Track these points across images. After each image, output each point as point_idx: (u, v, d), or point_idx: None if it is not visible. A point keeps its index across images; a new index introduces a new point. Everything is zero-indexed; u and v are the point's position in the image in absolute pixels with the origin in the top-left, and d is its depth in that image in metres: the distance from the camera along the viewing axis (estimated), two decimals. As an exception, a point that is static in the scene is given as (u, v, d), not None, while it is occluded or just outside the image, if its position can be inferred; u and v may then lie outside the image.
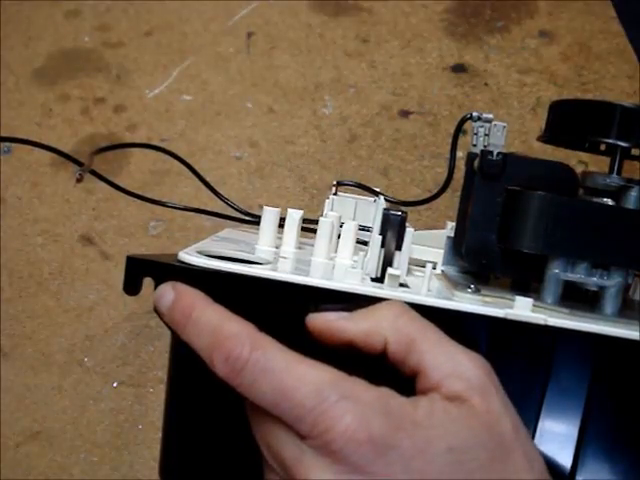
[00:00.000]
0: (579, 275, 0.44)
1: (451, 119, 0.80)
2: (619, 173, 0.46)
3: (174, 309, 0.38)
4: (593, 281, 0.44)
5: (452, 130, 0.51)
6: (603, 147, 0.51)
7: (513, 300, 0.40)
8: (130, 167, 0.82)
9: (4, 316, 0.80)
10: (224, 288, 0.39)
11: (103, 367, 0.79)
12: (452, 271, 0.50)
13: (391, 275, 0.41)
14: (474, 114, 0.47)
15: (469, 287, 0.43)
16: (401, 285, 0.42)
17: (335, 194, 0.57)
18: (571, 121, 0.47)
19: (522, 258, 0.45)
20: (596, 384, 0.40)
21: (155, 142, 0.82)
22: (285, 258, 0.47)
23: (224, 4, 0.86)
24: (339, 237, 0.48)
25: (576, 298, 0.45)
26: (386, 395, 0.35)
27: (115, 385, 0.79)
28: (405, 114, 0.81)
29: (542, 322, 0.39)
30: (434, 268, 0.49)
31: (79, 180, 0.49)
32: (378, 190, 0.57)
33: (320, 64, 0.83)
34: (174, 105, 0.84)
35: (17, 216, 0.82)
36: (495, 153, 0.45)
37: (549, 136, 0.48)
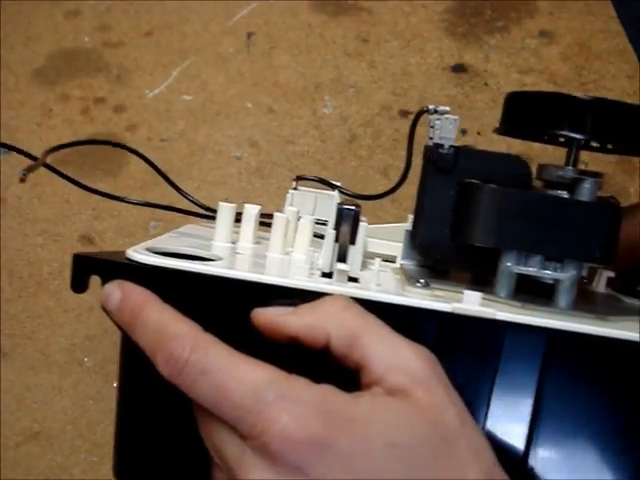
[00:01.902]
0: (533, 268, 0.43)
1: (451, 119, 0.80)
2: (575, 165, 0.46)
3: (122, 309, 0.38)
4: (547, 274, 0.43)
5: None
6: (562, 139, 0.51)
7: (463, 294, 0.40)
8: (130, 167, 0.82)
9: (4, 316, 0.80)
10: (171, 285, 0.39)
11: (103, 367, 0.79)
12: (411, 265, 0.50)
13: (340, 270, 0.41)
14: (430, 107, 0.46)
15: (418, 281, 0.42)
16: (352, 280, 0.42)
17: (295, 189, 0.56)
18: (526, 113, 0.46)
19: (476, 252, 0.45)
20: (547, 376, 0.40)
21: (155, 142, 0.82)
22: (240, 254, 0.46)
23: (224, 4, 0.86)
24: None
25: (534, 292, 0.45)
26: (326, 393, 0.34)
27: (115, 385, 0.79)
28: (405, 114, 0.81)
29: (491, 316, 0.39)
30: (394, 262, 0.49)
31: (22, 180, 0.49)
32: (338, 184, 0.57)
33: (320, 64, 0.83)
34: (174, 105, 0.84)
35: (17, 216, 0.82)
36: (447, 146, 0.45)
37: (505, 128, 0.48)
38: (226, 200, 0.60)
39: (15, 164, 0.83)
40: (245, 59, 0.84)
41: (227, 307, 0.39)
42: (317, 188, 0.57)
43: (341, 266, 0.41)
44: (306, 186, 0.57)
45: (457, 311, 0.39)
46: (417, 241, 0.46)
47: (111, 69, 0.85)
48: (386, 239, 0.53)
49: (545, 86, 0.81)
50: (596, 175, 0.44)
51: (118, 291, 0.38)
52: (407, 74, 0.81)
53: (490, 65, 0.82)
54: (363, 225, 0.44)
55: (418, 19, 0.84)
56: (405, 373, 0.35)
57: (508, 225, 0.43)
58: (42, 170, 0.84)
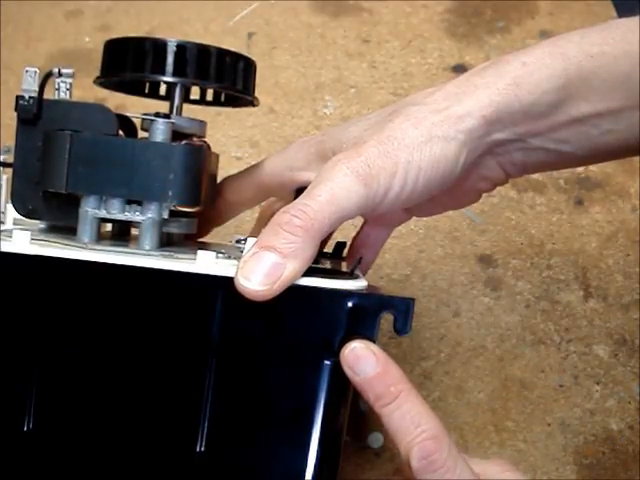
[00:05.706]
0: (113, 212, 0.44)
1: (452, 119, 0.80)
2: (179, 114, 0.48)
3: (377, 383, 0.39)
4: (126, 217, 0.44)
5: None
6: (164, 92, 0.51)
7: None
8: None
9: None
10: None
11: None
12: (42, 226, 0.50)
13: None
14: (54, 70, 0.47)
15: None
16: None
17: None
18: (117, 60, 0.47)
19: (62, 200, 0.45)
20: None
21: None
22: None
23: (225, 4, 0.86)
24: None
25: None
26: None
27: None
28: (406, 114, 0.81)
29: (31, 252, 0.40)
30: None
31: None
32: None
33: (321, 64, 0.83)
34: (175, 105, 0.84)
35: None
36: (27, 97, 0.46)
37: (103, 80, 0.49)
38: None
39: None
40: (246, 59, 0.84)
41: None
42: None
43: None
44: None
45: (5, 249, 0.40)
46: (11, 194, 0.47)
47: (112, 69, 0.85)
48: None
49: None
50: (167, 117, 0.45)
51: (374, 361, 0.39)
52: (408, 74, 0.81)
53: (491, 65, 0.82)
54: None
55: (419, 19, 0.84)
56: None
57: (80, 170, 0.43)
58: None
